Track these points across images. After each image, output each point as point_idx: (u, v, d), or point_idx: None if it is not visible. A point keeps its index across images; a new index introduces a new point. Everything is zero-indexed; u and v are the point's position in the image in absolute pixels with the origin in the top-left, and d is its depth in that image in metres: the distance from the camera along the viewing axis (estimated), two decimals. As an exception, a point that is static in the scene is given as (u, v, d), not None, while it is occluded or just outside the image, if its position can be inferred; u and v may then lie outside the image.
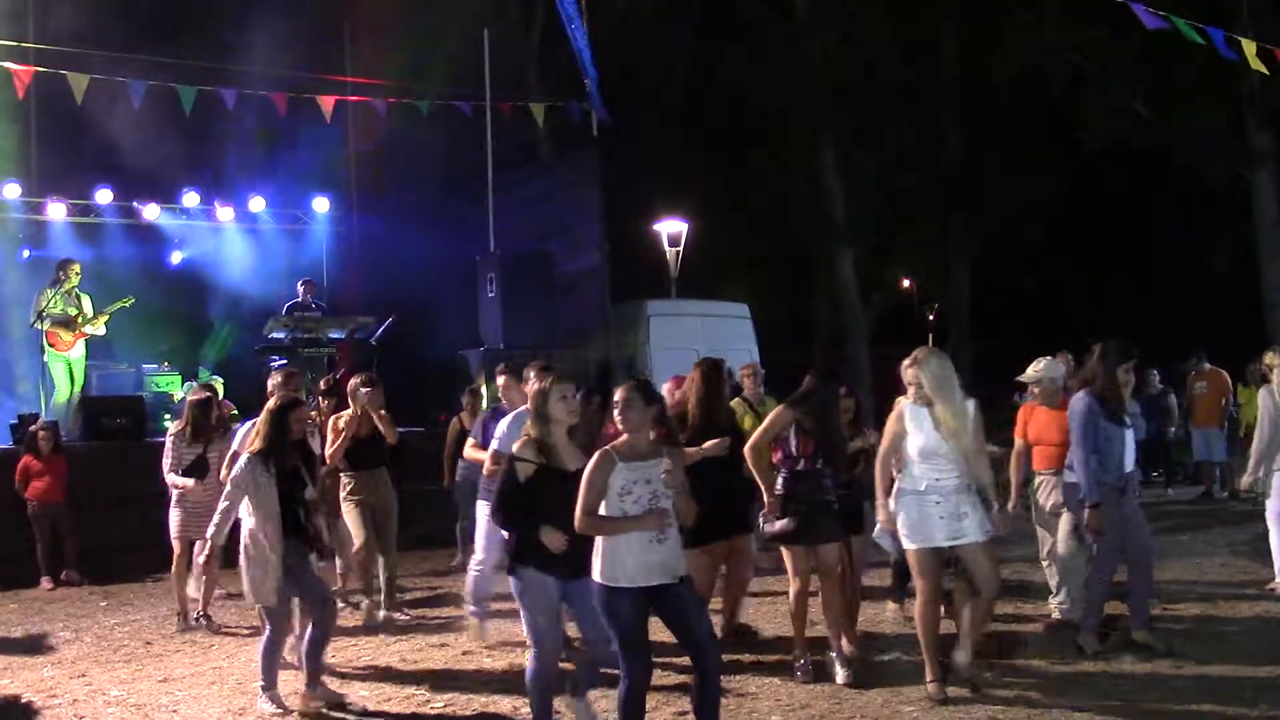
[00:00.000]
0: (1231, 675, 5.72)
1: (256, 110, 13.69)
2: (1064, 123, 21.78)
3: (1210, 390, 13.17)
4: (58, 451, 9.75)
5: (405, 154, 15.15)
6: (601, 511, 4.48)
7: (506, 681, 5.92)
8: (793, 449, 5.96)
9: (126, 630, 7.74)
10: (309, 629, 5.72)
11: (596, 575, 4.49)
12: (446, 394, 11.95)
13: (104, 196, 14.43)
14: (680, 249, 18.41)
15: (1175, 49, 14.06)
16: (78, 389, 12.26)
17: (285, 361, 11.52)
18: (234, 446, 6.95)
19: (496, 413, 7.11)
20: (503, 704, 5.67)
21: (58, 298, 11.95)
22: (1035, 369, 7.03)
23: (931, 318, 32.56)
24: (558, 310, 13.35)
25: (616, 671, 4.51)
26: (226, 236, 15.33)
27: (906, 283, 31.82)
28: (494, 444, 6.53)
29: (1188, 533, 10.41)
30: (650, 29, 21.58)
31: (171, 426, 8.41)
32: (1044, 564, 7.09)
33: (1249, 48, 11.46)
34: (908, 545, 5.54)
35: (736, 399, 7.83)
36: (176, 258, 15.16)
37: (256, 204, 15.26)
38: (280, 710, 5.63)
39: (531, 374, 6.40)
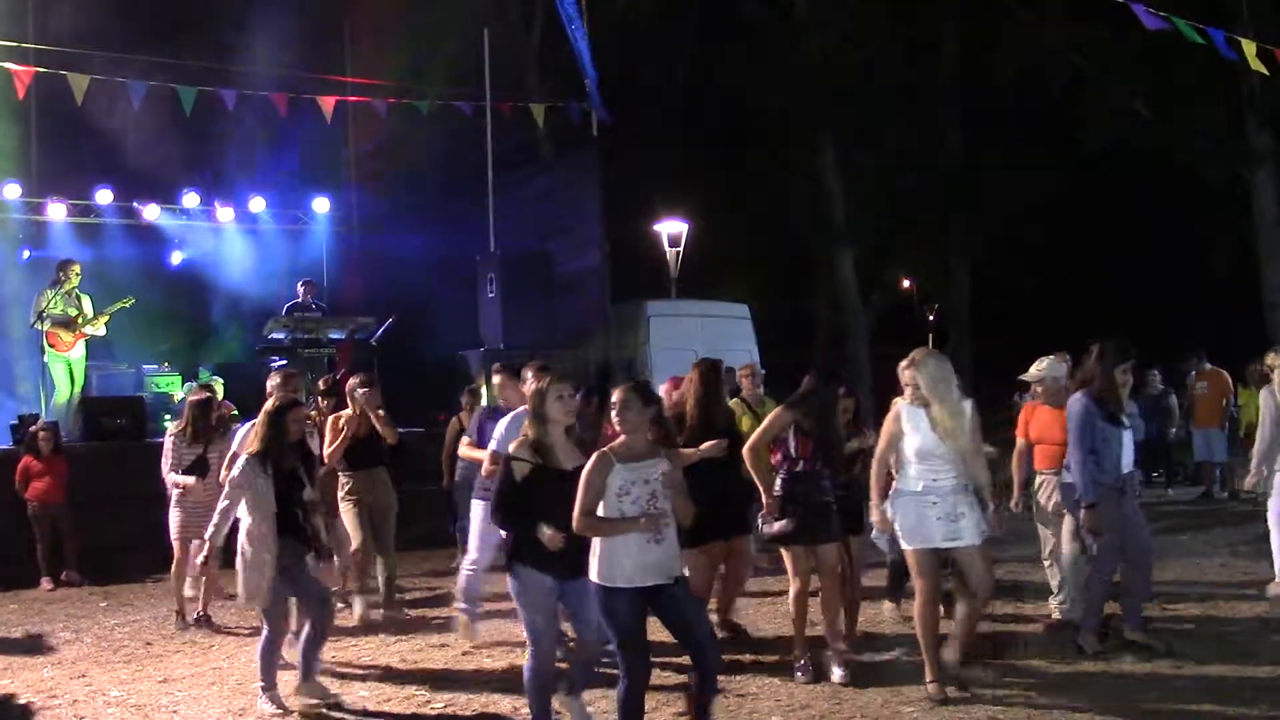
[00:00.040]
0: (1231, 675, 5.72)
1: (256, 110, 13.71)
2: (1064, 123, 21.78)
3: (1211, 391, 13.14)
4: (58, 452, 9.74)
5: (405, 154, 15.12)
6: (599, 512, 4.48)
7: (506, 681, 5.91)
8: (791, 450, 5.96)
9: (126, 631, 7.74)
10: (305, 628, 5.73)
11: (594, 576, 4.49)
12: (446, 394, 11.92)
13: (104, 197, 14.43)
14: (680, 249, 18.41)
15: (1175, 49, 14.07)
16: (78, 389, 12.25)
17: (285, 362, 11.53)
18: (234, 447, 6.96)
19: (495, 412, 7.07)
20: (502, 704, 5.67)
21: (58, 298, 11.94)
22: (1038, 368, 7.03)
23: (931, 318, 32.57)
24: (558, 310, 13.33)
25: (615, 671, 4.51)
26: (226, 237, 15.33)
27: (906, 283, 31.84)
28: (492, 444, 6.51)
29: (1188, 533, 10.39)
30: (650, 29, 21.58)
31: (171, 427, 8.41)
32: (1045, 564, 7.09)
33: (1249, 48, 11.47)
34: (906, 546, 5.55)
35: (735, 399, 7.83)
36: (176, 258, 15.16)
37: (256, 204, 15.26)
38: (280, 710, 5.63)
39: (529, 374, 6.39)
